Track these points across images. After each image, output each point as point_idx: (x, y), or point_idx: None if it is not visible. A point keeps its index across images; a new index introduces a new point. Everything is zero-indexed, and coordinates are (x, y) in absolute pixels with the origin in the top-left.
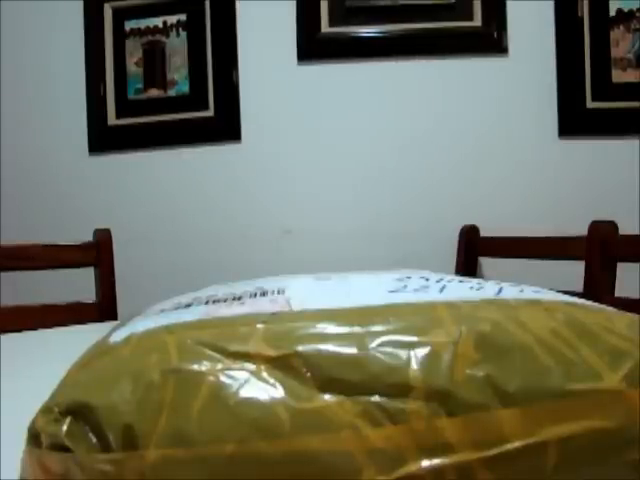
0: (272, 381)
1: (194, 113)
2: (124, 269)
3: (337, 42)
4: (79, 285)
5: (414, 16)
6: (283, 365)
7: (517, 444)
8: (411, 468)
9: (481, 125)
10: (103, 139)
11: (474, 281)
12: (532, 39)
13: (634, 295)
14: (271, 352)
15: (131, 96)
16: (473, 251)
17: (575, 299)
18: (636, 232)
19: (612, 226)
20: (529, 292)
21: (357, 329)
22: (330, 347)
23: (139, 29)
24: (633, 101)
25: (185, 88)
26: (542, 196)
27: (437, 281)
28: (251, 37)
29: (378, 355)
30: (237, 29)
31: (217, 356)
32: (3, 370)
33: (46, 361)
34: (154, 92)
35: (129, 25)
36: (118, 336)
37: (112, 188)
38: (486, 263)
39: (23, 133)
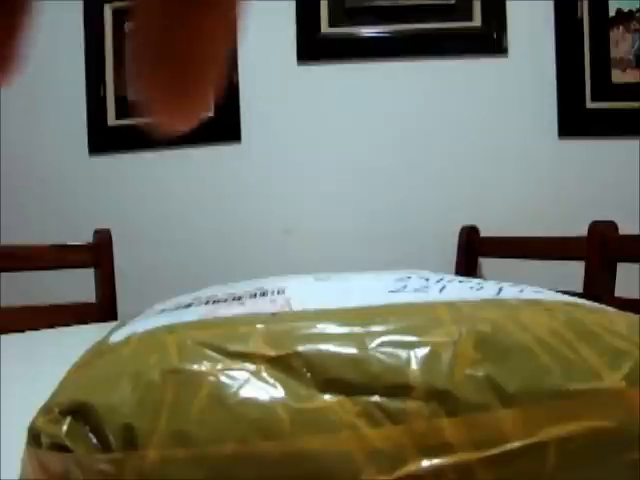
0: (272, 381)
1: None
2: (124, 269)
3: (337, 42)
4: (79, 285)
5: (414, 16)
6: (283, 365)
7: (517, 444)
8: (411, 468)
9: (481, 125)
10: (103, 139)
11: (474, 281)
12: (532, 39)
13: (634, 295)
14: (271, 352)
15: (131, 96)
16: (473, 251)
17: (575, 299)
18: (636, 232)
19: (612, 226)
20: (529, 292)
21: (357, 329)
22: (330, 347)
23: None
24: (633, 101)
25: None
26: (542, 196)
27: (437, 281)
28: (251, 37)
29: (378, 355)
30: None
31: (217, 356)
32: (3, 370)
33: (46, 361)
34: None
35: (129, 26)
36: (118, 336)
37: (112, 188)
38: (486, 263)
39: (23, 133)
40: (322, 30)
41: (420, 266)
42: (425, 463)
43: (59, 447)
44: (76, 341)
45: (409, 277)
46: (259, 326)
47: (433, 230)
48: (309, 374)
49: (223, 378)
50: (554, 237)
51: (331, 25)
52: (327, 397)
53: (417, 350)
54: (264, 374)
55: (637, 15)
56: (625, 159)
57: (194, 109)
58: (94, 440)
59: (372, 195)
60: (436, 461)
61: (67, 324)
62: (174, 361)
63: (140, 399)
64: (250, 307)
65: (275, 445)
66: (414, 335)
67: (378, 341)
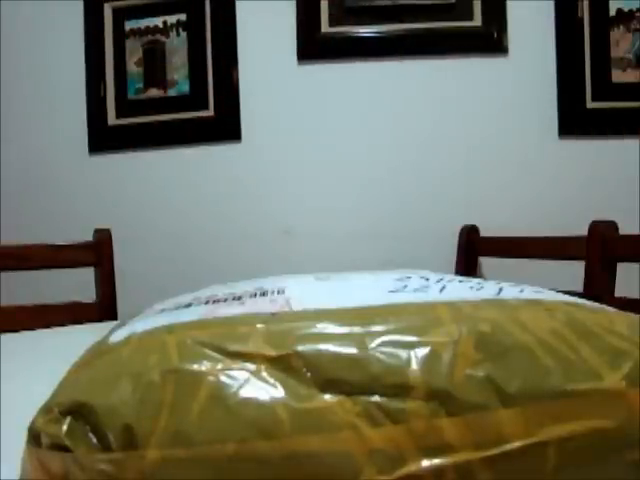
0: (272, 381)
1: (194, 113)
2: (124, 269)
3: (337, 42)
4: (79, 285)
5: (414, 16)
6: (283, 365)
7: (517, 444)
8: (411, 468)
9: (481, 125)
10: (103, 139)
11: (474, 281)
12: (532, 39)
13: (634, 295)
14: (271, 352)
15: (131, 96)
16: (473, 251)
17: (575, 299)
18: (636, 232)
19: (612, 226)
20: (529, 292)
21: (357, 329)
22: (330, 347)
23: (139, 29)
24: (633, 101)
25: (185, 88)
26: (542, 196)
27: (437, 281)
28: (251, 37)
29: (378, 355)
30: (237, 29)
31: (217, 356)
32: (3, 370)
33: (46, 361)
34: (154, 92)
35: (129, 25)
36: (118, 336)
37: (112, 188)
38: (486, 263)
39: (23, 133)
40: (322, 30)
41: (420, 266)
42: (425, 463)
43: (59, 447)
44: (75, 341)
45: (409, 277)
46: (259, 326)
47: (433, 230)
48: (309, 374)
49: (223, 378)
50: (554, 237)
51: (331, 25)
52: (327, 397)
53: (417, 350)
54: (264, 374)
55: (637, 15)
56: (625, 159)
57: None
58: (94, 440)
59: (372, 195)
60: (436, 461)
61: (67, 324)
62: (174, 361)
63: (140, 399)
64: (250, 307)
65: (275, 445)
66: (414, 335)
67: (378, 341)
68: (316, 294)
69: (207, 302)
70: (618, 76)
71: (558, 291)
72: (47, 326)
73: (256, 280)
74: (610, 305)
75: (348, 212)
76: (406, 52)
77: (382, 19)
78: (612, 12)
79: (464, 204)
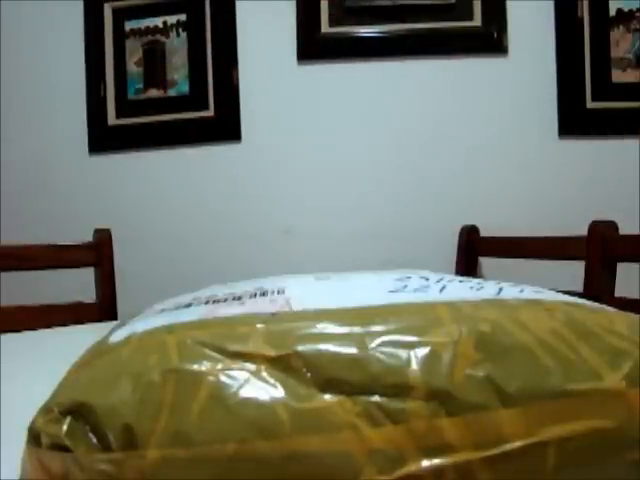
0: (272, 381)
1: (194, 113)
2: (124, 269)
3: (337, 42)
4: (79, 285)
5: (414, 16)
6: (283, 365)
7: (517, 444)
8: (411, 468)
9: (481, 125)
10: (103, 139)
11: (474, 281)
12: (532, 39)
13: (634, 295)
14: (271, 352)
15: (131, 96)
16: (473, 251)
17: (575, 299)
18: (636, 232)
19: (612, 226)
20: (529, 292)
21: (357, 329)
22: (330, 347)
23: (139, 29)
24: (633, 101)
25: (185, 88)
26: (542, 196)
27: (437, 281)
28: (251, 37)
29: (378, 355)
30: (237, 29)
31: (217, 356)
32: (3, 370)
33: (46, 361)
34: (154, 92)
35: (129, 25)
36: (118, 336)
37: (112, 188)
38: (486, 263)
39: (23, 133)
40: (322, 30)
41: (420, 266)
42: (425, 463)
43: (59, 447)
44: (76, 341)
45: (409, 277)
46: (259, 326)
47: (433, 230)
48: (309, 374)
49: (223, 378)
50: (554, 237)
51: (331, 25)
52: (327, 397)
53: (417, 350)
54: (264, 374)
55: (637, 15)
56: (625, 159)
57: None
58: (94, 440)
59: (372, 195)
60: (436, 461)
61: (67, 324)
62: (174, 361)
63: (140, 399)
64: (250, 307)
65: (275, 445)
66: (414, 335)
67: (378, 341)
68: (316, 294)
69: (207, 302)
70: (618, 76)
71: (558, 291)
72: (47, 326)
73: (256, 280)
74: (610, 305)
75: (348, 212)
76: (406, 52)
77: (382, 19)
78: (612, 12)
79: (464, 204)
